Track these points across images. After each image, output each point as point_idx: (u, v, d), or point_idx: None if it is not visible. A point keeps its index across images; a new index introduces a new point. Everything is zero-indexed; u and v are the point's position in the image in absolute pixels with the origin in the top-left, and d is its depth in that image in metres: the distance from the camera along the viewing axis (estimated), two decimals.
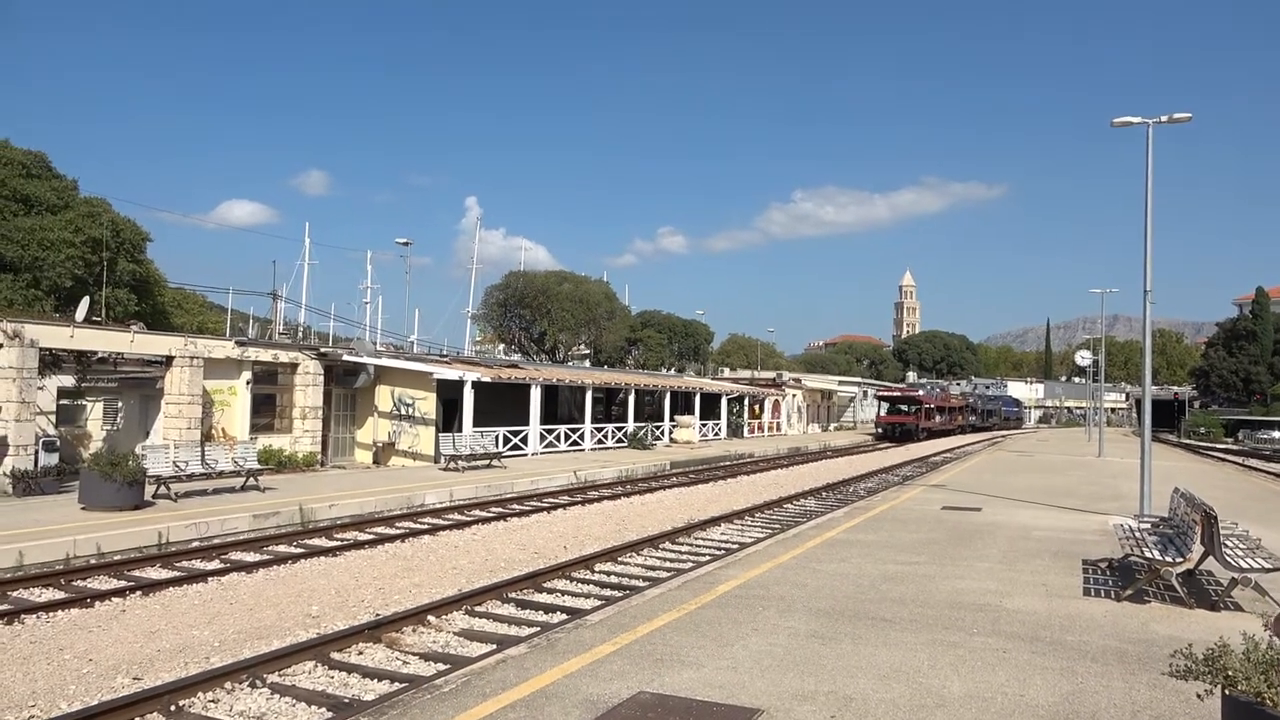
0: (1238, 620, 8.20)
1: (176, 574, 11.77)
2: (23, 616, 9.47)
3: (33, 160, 35.70)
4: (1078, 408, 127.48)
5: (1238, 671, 4.19)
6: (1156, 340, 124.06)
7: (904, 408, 62.84)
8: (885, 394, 69.40)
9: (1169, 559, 9.00)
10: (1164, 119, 15.99)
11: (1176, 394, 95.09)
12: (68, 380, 22.34)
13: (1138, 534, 10.50)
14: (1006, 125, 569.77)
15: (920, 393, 69.16)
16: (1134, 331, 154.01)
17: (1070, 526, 14.69)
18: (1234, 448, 56.70)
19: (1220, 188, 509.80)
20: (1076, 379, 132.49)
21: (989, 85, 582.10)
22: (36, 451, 18.85)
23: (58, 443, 19.73)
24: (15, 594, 10.60)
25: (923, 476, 27.25)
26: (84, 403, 23.26)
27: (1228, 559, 8.60)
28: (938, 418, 65.22)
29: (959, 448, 51.00)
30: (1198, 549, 9.07)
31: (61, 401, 22.26)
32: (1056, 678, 6.46)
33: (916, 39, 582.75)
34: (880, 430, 60.94)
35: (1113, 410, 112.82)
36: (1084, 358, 55.61)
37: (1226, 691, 4.25)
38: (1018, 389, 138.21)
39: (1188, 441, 65.52)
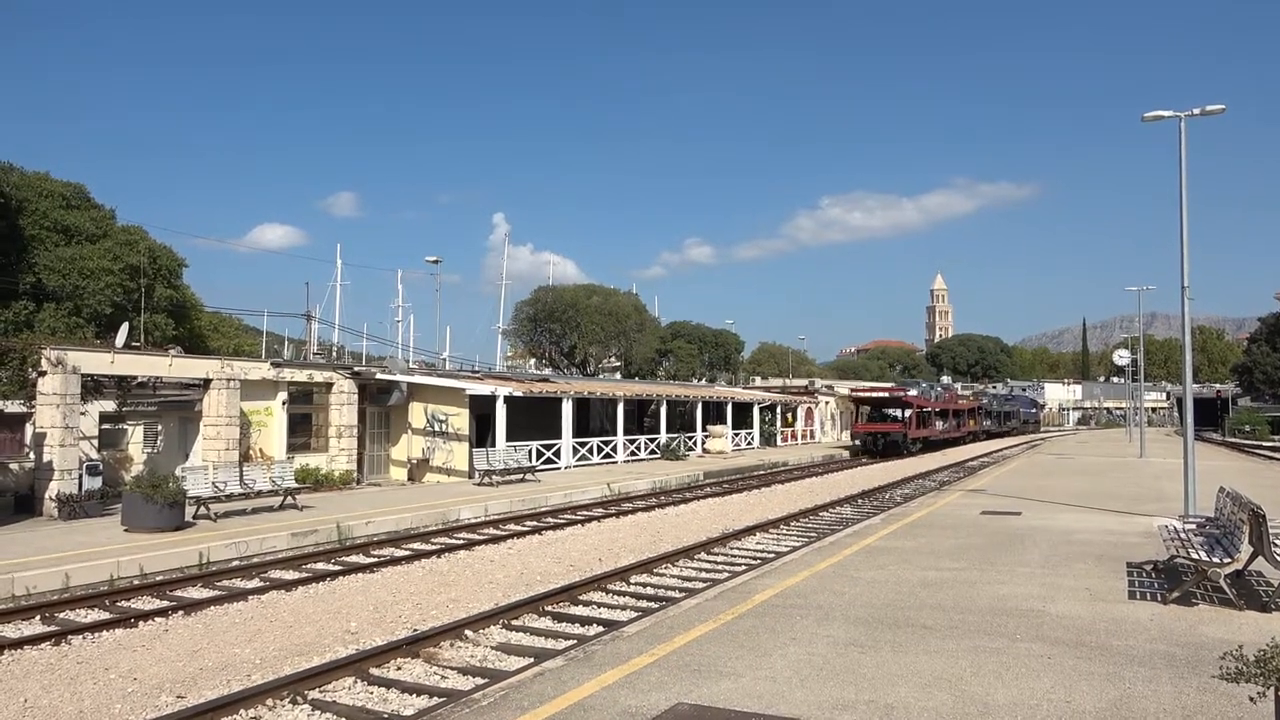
0: None
1: (217, 593, 11.94)
2: (69, 637, 9.66)
3: (72, 192, 36.56)
4: (1117, 408, 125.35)
5: None
6: (1196, 337, 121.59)
7: (888, 412, 48.92)
8: (862, 394, 51.86)
9: (1216, 560, 8.81)
10: (1196, 112, 15.45)
11: (1219, 391, 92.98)
12: (109, 405, 22.80)
13: (1183, 535, 10.29)
14: (1034, 123, 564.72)
15: (911, 393, 50.86)
16: (1173, 329, 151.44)
17: (1113, 529, 14.42)
18: None
19: (1259, 179, 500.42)
20: (1115, 379, 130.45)
21: (1015, 83, 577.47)
22: (80, 475, 19.24)
23: (100, 466, 20.10)
24: (62, 615, 10.81)
25: (960, 481, 26.91)
26: (125, 427, 23.73)
27: (1278, 558, 8.40)
28: (937, 424, 53.21)
29: (995, 451, 50.26)
30: (1246, 549, 8.88)
31: (103, 426, 22.72)
32: (1103, 683, 6.33)
33: (937, 37, 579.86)
34: (857, 442, 47.47)
35: (1153, 410, 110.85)
36: (1122, 357, 54.68)
37: None
38: (1055, 390, 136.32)
39: (1232, 440, 64.06)
